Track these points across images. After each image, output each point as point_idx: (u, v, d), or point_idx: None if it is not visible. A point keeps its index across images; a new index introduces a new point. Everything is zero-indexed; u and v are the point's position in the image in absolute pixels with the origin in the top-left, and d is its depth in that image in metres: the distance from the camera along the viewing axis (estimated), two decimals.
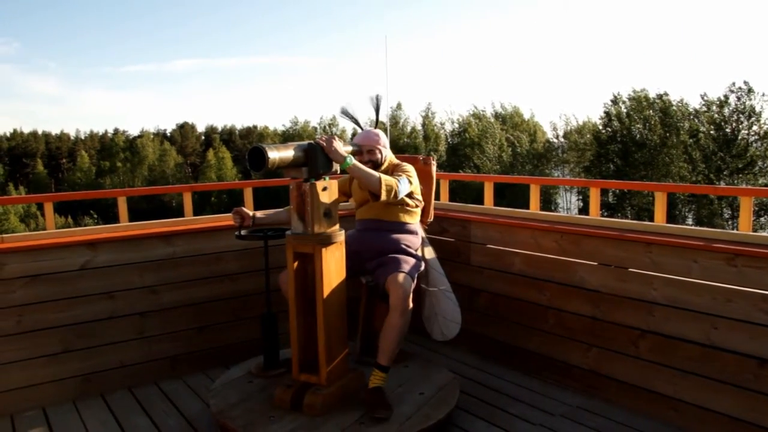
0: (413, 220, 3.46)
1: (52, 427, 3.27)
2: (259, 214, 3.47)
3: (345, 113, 3.44)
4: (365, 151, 3.38)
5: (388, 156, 3.48)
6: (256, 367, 3.57)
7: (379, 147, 3.40)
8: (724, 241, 3.05)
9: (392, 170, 3.39)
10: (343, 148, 3.01)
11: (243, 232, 3.49)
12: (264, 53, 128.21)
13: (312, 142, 2.97)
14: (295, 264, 3.05)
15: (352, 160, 3.03)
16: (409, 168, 3.39)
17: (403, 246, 3.37)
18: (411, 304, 3.11)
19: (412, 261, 3.31)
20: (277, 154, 2.79)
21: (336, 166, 3.03)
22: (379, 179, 3.06)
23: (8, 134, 72.55)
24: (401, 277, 3.13)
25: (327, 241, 2.95)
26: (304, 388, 3.04)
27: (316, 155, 2.93)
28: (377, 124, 3.53)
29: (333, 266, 3.01)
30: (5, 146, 69.40)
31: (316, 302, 2.99)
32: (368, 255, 3.36)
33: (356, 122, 3.49)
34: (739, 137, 35.98)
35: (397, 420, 2.93)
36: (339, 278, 3.06)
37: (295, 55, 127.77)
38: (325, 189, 2.97)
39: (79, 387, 3.60)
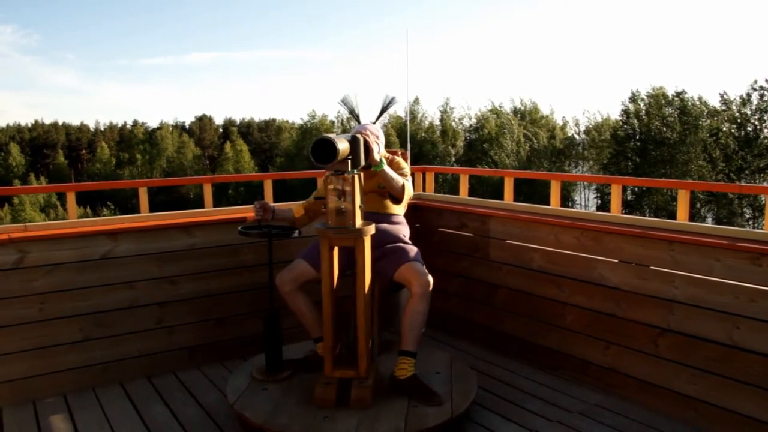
0: (401, 212, 3.53)
1: (72, 414, 3.31)
2: (277, 208, 3.48)
3: (345, 103, 3.41)
4: None
5: (382, 151, 3.43)
6: (257, 371, 3.37)
7: (378, 142, 3.38)
8: (749, 240, 3.00)
9: (389, 165, 3.42)
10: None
11: (243, 228, 3.44)
12: (280, 47, 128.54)
13: (355, 135, 2.98)
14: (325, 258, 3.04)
15: (384, 163, 3.16)
16: (404, 164, 3.54)
17: (402, 236, 3.42)
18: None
19: (415, 249, 3.34)
20: (341, 145, 2.79)
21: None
22: (403, 186, 3.28)
23: (30, 125, 73.61)
24: (417, 265, 3.18)
25: (365, 233, 2.95)
26: (343, 384, 3.04)
27: (358, 147, 2.95)
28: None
29: (368, 259, 3.02)
30: (27, 137, 70.33)
31: (356, 296, 2.99)
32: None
33: (354, 114, 3.43)
34: (761, 136, 35.50)
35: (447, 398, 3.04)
36: (370, 271, 3.08)
37: (312, 49, 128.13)
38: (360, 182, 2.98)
39: (98, 375, 3.64)
